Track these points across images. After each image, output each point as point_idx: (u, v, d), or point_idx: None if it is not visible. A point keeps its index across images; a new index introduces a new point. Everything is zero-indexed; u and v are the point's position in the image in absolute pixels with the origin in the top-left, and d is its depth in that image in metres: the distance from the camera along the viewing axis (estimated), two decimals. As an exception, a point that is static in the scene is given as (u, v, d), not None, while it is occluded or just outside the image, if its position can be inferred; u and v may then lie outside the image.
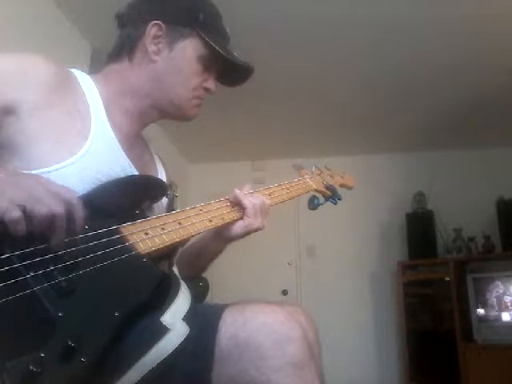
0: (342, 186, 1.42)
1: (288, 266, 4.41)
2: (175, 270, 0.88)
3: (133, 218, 0.81)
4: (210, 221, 0.92)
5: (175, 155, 4.38)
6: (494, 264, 3.84)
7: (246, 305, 0.78)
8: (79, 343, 0.61)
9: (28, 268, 0.63)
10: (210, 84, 1.00)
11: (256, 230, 0.99)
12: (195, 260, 1.06)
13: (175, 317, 0.74)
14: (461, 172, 4.27)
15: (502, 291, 3.62)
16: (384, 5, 2.48)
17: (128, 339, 0.68)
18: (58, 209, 0.64)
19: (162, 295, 0.75)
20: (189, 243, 0.99)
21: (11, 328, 0.59)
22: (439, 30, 2.69)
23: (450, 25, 2.64)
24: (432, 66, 3.05)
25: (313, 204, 1.24)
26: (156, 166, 1.06)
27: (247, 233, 0.98)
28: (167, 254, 0.85)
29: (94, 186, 0.81)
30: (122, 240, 0.75)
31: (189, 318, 0.76)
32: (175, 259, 0.91)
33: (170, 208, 0.97)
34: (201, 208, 0.93)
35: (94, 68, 2.47)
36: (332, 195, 1.31)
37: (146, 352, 0.69)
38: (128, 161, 0.90)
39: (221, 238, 1.00)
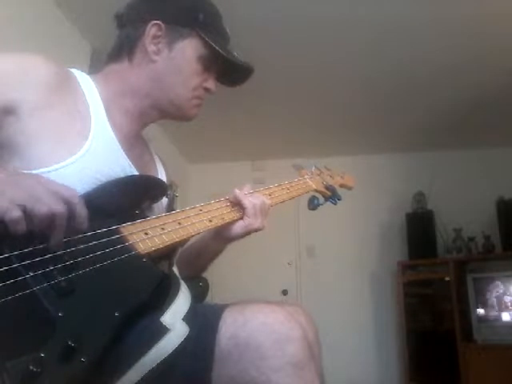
0: (341, 186, 1.42)
1: (288, 266, 4.41)
2: (175, 270, 0.88)
3: (133, 218, 0.81)
4: (210, 221, 0.92)
5: (175, 155, 4.38)
6: (494, 264, 3.84)
7: (246, 305, 0.78)
8: (79, 343, 0.61)
9: (27, 268, 0.63)
10: (210, 84, 1.00)
11: (256, 230, 0.99)
12: (195, 260, 1.06)
13: (175, 317, 0.74)
14: (461, 172, 4.28)
15: (502, 291, 3.62)
16: (384, 5, 2.48)
17: (128, 339, 0.68)
18: (59, 207, 0.64)
19: (162, 295, 0.75)
20: (189, 243, 0.99)
21: (11, 328, 0.59)
22: (439, 30, 2.69)
23: (450, 25, 2.64)
24: (432, 66, 3.05)
25: (313, 204, 1.24)
26: (156, 166, 1.06)
27: (247, 233, 0.98)
28: (167, 254, 0.85)
29: (94, 185, 0.81)
30: (122, 240, 0.75)
31: (189, 318, 0.76)
32: (175, 259, 0.91)
33: (170, 208, 0.97)
34: (201, 208, 0.93)
35: (93, 68, 2.47)
36: (332, 195, 1.31)
37: (146, 352, 0.69)
38: (128, 161, 0.90)
39: (221, 238, 1.00)
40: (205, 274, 1.06)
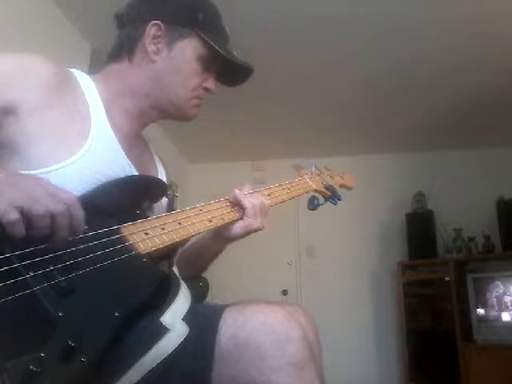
0: (341, 186, 1.42)
1: (288, 266, 4.41)
2: (175, 270, 0.88)
3: (133, 218, 0.81)
4: (210, 221, 0.92)
5: (175, 155, 4.38)
6: (494, 264, 3.85)
7: (246, 305, 0.78)
8: (79, 343, 0.61)
9: (28, 268, 0.63)
10: (210, 84, 1.00)
11: (256, 231, 0.99)
12: (195, 260, 1.06)
13: (175, 317, 0.74)
14: (461, 172, 4.28)
15: (502, 291, 3.62)
16: (384, 5, 2.48)
17: (128, 339, 0.68)
18: (57, 207, 0.64)
19: (162, 295, 0.75)
20: (189, 243, 0.99)
21: (11, 328, 0.60)
22: (439, 30, 2.69)
23: (450, 25, 2.64)
24: (432, 66, 3.05)
25: (312, 204, 1.24)
26: (156, 166, 1.06)
27: (247, 233, 0.98)
28: (167, 254, 0.85)
29: (94, 185, 0.81)
30: (122, 240, 0.75)
31: (189, 318, 0.76)
32: (175, 259, 0.91)
33: (170, 208, 0.97)
34: (201, 208, 0.93)
35: (93, 68, 2.47)
36: (332, 195, 1.31)
37: (146, 352, 0.69)
38: (128, 161, 0.90)
39: (221, 238, 1.00)
40: (205, 274, 1.06)
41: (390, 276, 4.16)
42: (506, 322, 3.55)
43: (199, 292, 0.92)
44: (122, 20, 0.98)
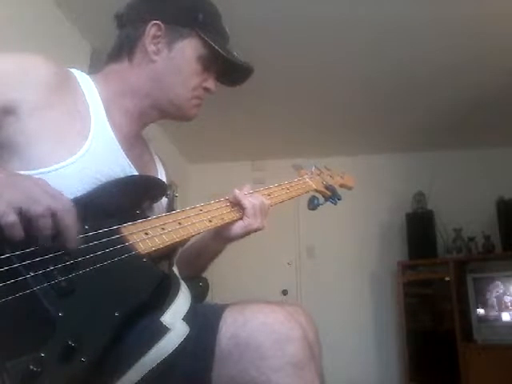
0: (341, 186, 1.42)
1: (288, 266, 4.41)
2: (175, 270, 0.88)
3: (133, 218, 0.81)
4: (210, 221, 0.92)
5: (175, 155, 4.38)
6: (494, 264, 3.85)
7: (246, 305, 0.78)
8: (79, 343, 0.61)
9: (28, 268, 0.63)
10: (210, 84, 1.00)
11: (256, 231, 0.99)
12: (195, 260, 1.06)
13: (175, 317, 0.74)
14: (461, 172, 4.28)
15: (502, 291, 3.62)
16: (384, 5, 2.48)
17: (128, 339, 0.68)
18: (57, 206, 0.64)
19: (162, 295, 0.75)
20: (189, 243, 0.99)
21: (11, 328, 0.59)
22: (439, 30, 2.69)
23: (450, 25, 2.64)
24: (432, 66, 3.05)
25: (312, 204, 1.24)
26: (156, 166, 1.06)
27: (247, 233, 0.98)
28: (167, 254, 0.85)
29: (94, 185, 0.81)
30: (122, 240, 0.75)
31: (189, 317, 0.76)
32: (175, 259, 0.91)
33: (170, 208, 0.97)
34: (201, 208, 0.93)
35: (93, 68, 2.47)
36: (332, 195, 1.31)
37: (146, 352, 0.69)
38: (128, 161, 0.90)
39: (220, 238, 1.00)
40: (205, 274, 1.06)
41: (390, 276, 4.16)
42: (506, 322, 3.55)
43: (199, 292, 0.92)
44: (122, 20, 0.98)
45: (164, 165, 1.09)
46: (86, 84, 0.90)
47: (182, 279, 0.85)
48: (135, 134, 0.99)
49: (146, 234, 0.79)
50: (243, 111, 3.61)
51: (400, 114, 3.77)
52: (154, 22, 0.93)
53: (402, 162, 4.41)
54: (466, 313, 3.63)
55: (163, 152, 1.21)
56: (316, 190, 1.27)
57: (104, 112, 0.89)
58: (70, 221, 0.65)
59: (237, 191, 0.99)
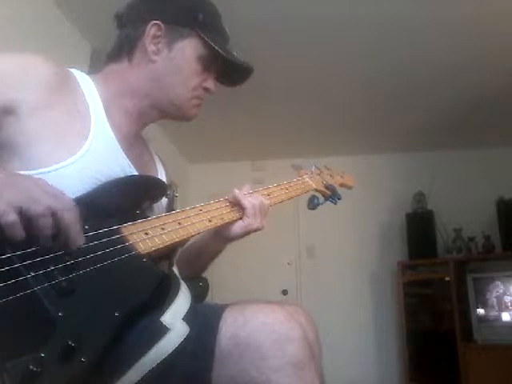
0: (341, 185, 1.42)
1: (288, 266, 4.41)
2: (175, 270, 0.88)
3: (133, 218, 0.81)
4: (210, 221, 0.92)
5: (175, 155, 4.38)
6: (494, 264, 3.85)
7: (246, 305, 0.78)
8: (79, 343, 0.61)
9: (28, 268, 0.63)
10: (210, 84, 1.00)
11: (255, 231, 0.99)
12: (195, 260, 1.06)
13: (175, 317, 0.74)
14: (461, 172, 4.28)
15: (502, 291, 3.62)
16: (384, 5, 2.48)
17: (128, 339, 0.68)
18: (57, 205, 0.64)
19: (162, 295, 0.75)
20: (188, 243, 0.99)
21: (11, 328, 0.59)
22: (439, 30, 2.69)
23: (450, 25, 2.64)
24: (432, 66, 3.05)
25: (312, 204, 1.24)
26: (156, 166, 1.06)
27: (247, 233, 0.98)
28: (167, 254, 0.85)
29: (94, 185, 0.81)
30: (122, 240, 0.75)
31: (189, 317, 0.76)
32: (175, 259, 0.91)
33: (170, 208, 0.97)
34: (200, 208, 0.93)
35: (93, 68, 2.47)
36: (332, 195, 1.30)
37: (146, 352, 0.69)
38: (127, 161, 0.90)
39: (220, 238, 1.00)
40: (205, 274, 1.06)
41: (389, 276, 4.16)
42: (506, 322, 3.55)
43: (199, 292, 0.92)
44: (121, 20, 0.98)
45: (164, 165, 1.09)
46: (86, 84, 0.90)
47: (182, 279, 0.85)
48: (135, 134, 0.99)
49: (146, 234, 0.79)
50: (243, 111, 3.61)
51: (400, 114, 3.77)
52: (154, 22, 0.93)
53: (401, 162, 4.41)
54: (465, 313, 3.63)
55: (163, 152, 1.21)
56: (316, 190, 1.27)
57: (104, 112, 0.89)
58: (71, 220, 0.65)
59: (236, 191, 0.99)
